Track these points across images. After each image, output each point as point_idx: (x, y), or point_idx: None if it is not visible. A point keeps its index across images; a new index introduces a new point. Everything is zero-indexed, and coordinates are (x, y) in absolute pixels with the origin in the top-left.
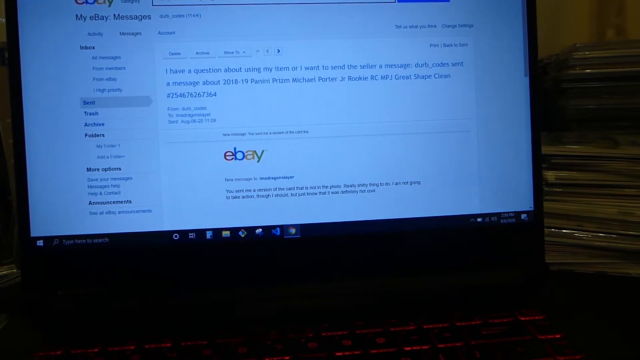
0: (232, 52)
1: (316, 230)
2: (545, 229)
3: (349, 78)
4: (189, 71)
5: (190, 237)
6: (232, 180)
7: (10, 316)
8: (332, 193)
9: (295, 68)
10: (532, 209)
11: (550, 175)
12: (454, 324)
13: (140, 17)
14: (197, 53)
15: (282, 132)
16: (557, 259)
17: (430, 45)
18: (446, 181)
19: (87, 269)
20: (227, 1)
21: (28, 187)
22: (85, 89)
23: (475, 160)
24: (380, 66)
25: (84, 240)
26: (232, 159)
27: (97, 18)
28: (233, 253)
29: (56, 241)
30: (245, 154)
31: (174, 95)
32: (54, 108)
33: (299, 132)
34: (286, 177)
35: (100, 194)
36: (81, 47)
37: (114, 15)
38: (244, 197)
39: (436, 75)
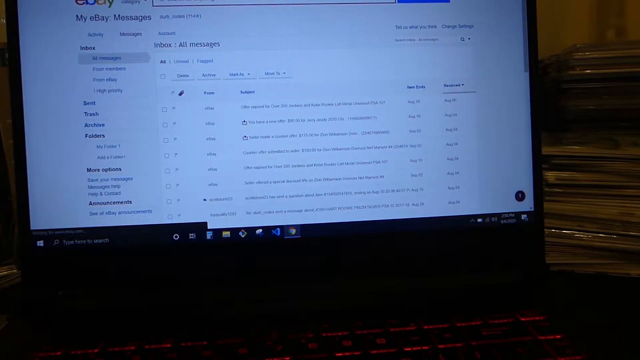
0: (233, 53)
1: (316, 230)
2: (545, 230)
3: (349, 80)
4: (190, 72)
5: (190, 237)
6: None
7: (10, 316)
8: (332, 194)
9: (294, 68)
10: (533, 209)
11: (550, 175)
12: (455, 324)
13: (140, 18)
14: (197, 53)
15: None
16: (558, 260)
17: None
18: (446, 182)
19: (87, 269)
20: (227, 2)
21: (28, 187)
22: (85, 89)
23: (475, 161)
24: (380, 69)
25: (84, 241)
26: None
27: (97, 18)
28: (233, 253)
29: (56, 241)
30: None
31: (175, 96)
32: (54, 108)
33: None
34: (286, 180)
35: (101, 194)
36: (81, 48)
37: (114, 15)
38: (245, 198)
39: None
